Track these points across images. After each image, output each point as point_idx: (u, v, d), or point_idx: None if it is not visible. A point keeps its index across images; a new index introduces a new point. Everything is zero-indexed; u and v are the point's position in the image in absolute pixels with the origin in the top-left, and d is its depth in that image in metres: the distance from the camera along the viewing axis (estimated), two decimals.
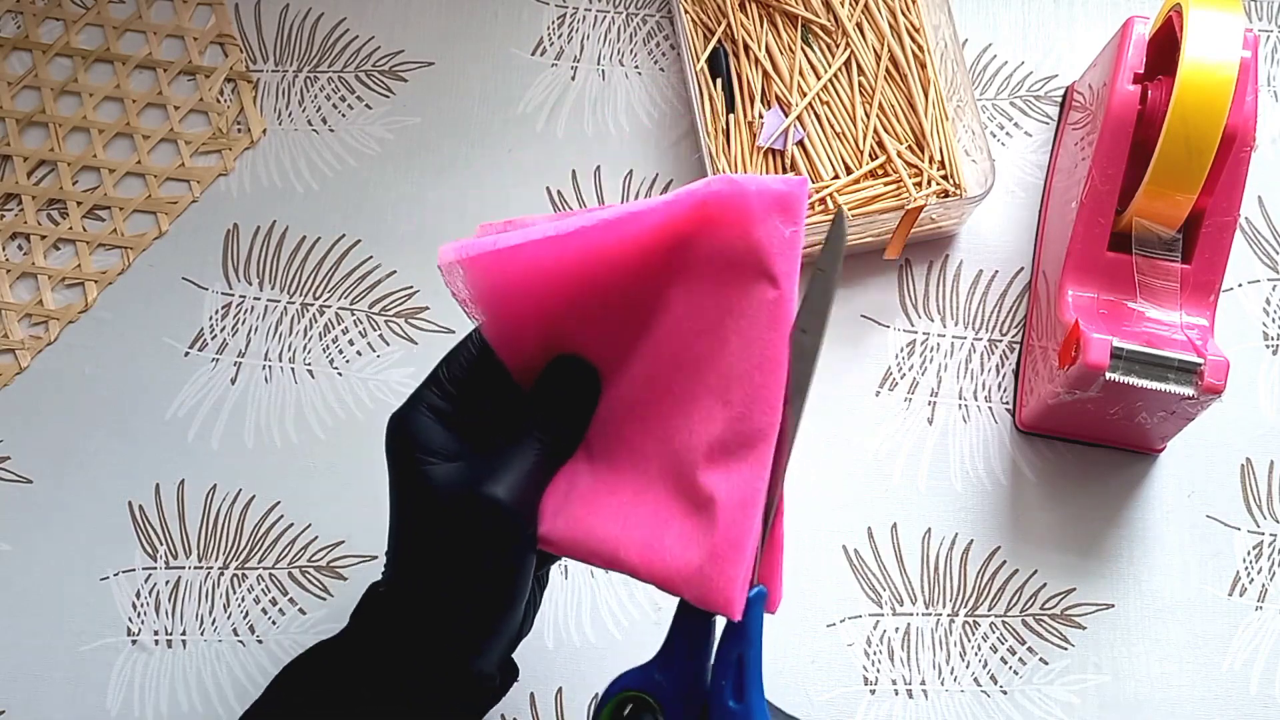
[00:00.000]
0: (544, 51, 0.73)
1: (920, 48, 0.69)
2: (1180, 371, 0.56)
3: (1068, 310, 0.60)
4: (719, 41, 0.69)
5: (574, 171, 0.71)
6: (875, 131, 0.68)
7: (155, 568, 0.65)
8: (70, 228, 0.71)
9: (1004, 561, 0.65)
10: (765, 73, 0.69)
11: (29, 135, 0.72)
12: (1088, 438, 0.65)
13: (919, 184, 0.67)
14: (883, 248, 0.68)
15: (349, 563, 0.65)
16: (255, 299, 0.69)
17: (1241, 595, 0.64)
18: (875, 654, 0.64)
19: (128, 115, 0.72)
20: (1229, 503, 0.66)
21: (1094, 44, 0.71)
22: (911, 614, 0.64)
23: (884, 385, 0.67)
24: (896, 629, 0.64)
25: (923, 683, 0.63)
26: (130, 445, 0.67)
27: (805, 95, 0.68)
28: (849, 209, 0.66)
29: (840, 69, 0.69)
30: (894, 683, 0.63)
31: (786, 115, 0.68)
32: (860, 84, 0.69)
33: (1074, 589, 0.64)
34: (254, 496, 0.66)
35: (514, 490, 0.44)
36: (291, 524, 0.66)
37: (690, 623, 0.45)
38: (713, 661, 0.45)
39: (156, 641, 0.64)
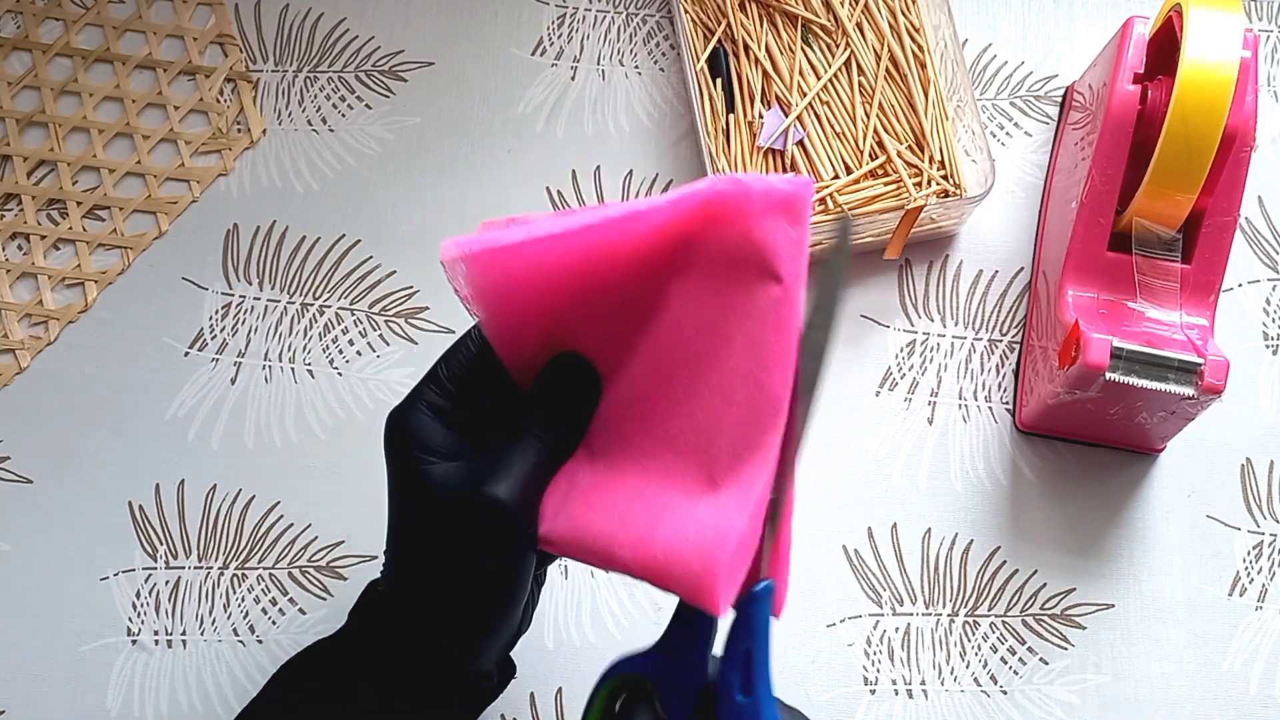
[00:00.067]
0: (544, 51, 0.73)
1: (920, 48, 0.69)
2: (1180, 371, 0.56)
3: (1068, 310, 0.60)
4: (719, 41, 0.69)
5: (574, 171, 0.71)
6: (875, 131, 0.68)
7: (155, 568, 0.65)
8: (70, 228, 0.71)
9: (1004, 561, 0.65)
10: (765, 73, 0.69)
11: (29, 135, 0.72)
12: (1088, 438, 0.65)
13: (919, 184, 0.67)
14: (883, 248, 0.68)
15: (349, 563, 0.65)
16: (255, 299, 0.69)
17: (1241, 595, 0.64)
18: (875, 654, 0.64)
19: (128, 115, 0.72)
20: (1229, 503, 0.66)
21: (1094, 44, 0.71)
22: (911, 614, 0.64)
23: (884, 385, 0.67)
24: (896, 629, 0.64)
25: (923, 683, 0.63)
26: (130, 445, 0.67)
27: (805, 95, 0.68)
28: (849, 209, 0.66)
29: (840, 69, 0.69)
30: (894, 683, 0.63)
31: (786, 115, 0.68)
32: (860, 84, 0.69)
33: (1074, 589, 0.64)
34: (254, 496, 0.66)
35: (515, 490, 0.44)
36: (291, 524, 0.66)
37: (692, 611, 0.45)
38: (721, 655, 0.45)
39: (156, 641, 0.64)
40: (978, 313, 0.69)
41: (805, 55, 0.69)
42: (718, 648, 0.45)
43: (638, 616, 0.64)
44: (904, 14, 0.69)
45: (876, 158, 0.67)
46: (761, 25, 0.70)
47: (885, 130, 0.68)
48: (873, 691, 0.63)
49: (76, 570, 0.65)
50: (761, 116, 0.68)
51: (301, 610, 0.65)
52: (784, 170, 0.68)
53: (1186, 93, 0.56)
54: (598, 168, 0.71)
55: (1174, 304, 0.60)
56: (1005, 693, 0.63)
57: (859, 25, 0.69)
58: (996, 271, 0.69)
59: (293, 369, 0.68)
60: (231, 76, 0.73)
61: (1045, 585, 0.64)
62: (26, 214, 0.71)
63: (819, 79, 0.69)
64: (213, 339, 0.69)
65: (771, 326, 0.43)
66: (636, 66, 0.73)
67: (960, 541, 0.65)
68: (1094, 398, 0.58)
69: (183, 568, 0.65)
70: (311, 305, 0.69)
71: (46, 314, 0.69)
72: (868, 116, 0.68)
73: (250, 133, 0.72)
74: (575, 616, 0.64)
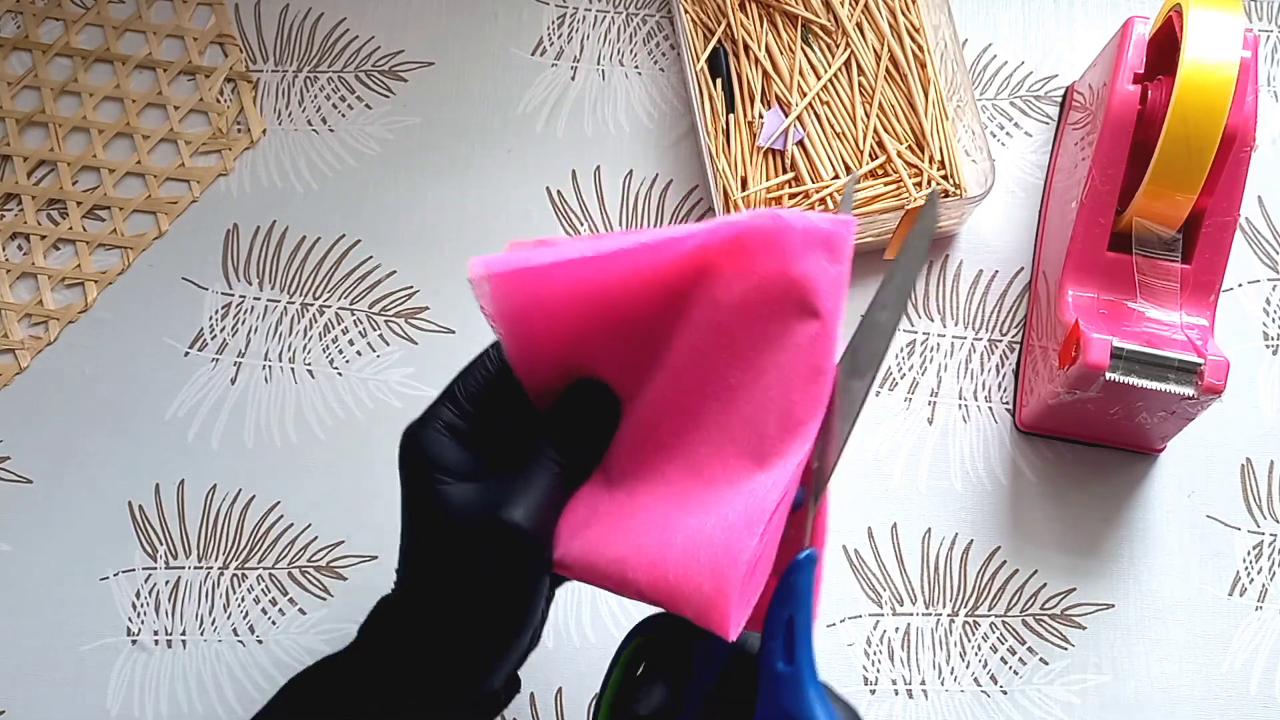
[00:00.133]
0: (544, 51, 0.73)
1: (920, 48, 0.69)
2: (1180, 371, 0.56)
3: (1068, 310, 0.60)
4: (719, 41, 0.69)
5: (574, 171, 0.71)
6: (875, 131, 0.68)
7: (155, 568, 0.65)
8: (70, 228, 0.71)
9: (1004, 561, 0.65)
10: (765, 73, 0.69)
11: (29, 135, 0.72)
12: (1088, 438, 0.65)
13: (919, 184, 0.67)
14: (883, 248, 0.68)
15: (349, 563, 0.65)
16: (255, 299, 0.69)
17: (1241, 595, 0.64)
18: (875, 654, 0.64)
19: (128, 115, 0.72)
20: (1229, 503, 0.66)
21: (1094, 44, 0.71)
22: (911, 614, 0.64)
23: (884, 385, 0.67)
24: (896, 629, 0.64)
25: (923, 683, 0.63)
26: (130, 445, 0.67)
27: (805, 95, 0.68)
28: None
29: (840, 69, 0.69)
30: (894, 683, 0.63)
31: (786, 115, 0.68)
32: (860, 84, 0.69)
33: (1074, 589, 0.64)
34: (254, 496, 0.66)
35: (532, 515, 0.44)
36: (291, 524, 0.66)
37: None
38: (763, 623, 0.44)
39: (156, 641, 0.64)
40: (978, 313, 0.69)
41: (805, 55, 0.69)
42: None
43: (638, 616, 0.64)
44: (904, 14, 0.69)
45: (876, 158, 0.67)
46: (761, 25, 0.70)
47: (885, 130, 0.68)
48: (873, 691, 0.63)
49: (76, 570, 0.65)
50: (761, 116, 0.68)
51: (301, 610, 0.65)
52: (784, 170, 0.68)
53: (1186, 93, 0.56)
54: (598, 168, 0.71)
55: (1174, 304, 0.60)
56: (1005, 693, 0.63)
57: (859, 25, 0.69)
58: (996, 271, 0.69)
59: (293, 369, 0.68)
60: (231, 76, 0.73)
61: (1045, 585, 0.64)
62: (26, 214, 0.71)
63: (819, 79, 0.69)
64: (213, 339, 0.69)
65: (806, 362, 0.43)
66: (636, 66, 0.73)
67: (960, 541, 0.65)
68: (1094, 398, 0.58)
69: (183, 568, 0.65)
70: (311, 305, 0.69)
71: (46, 314, 0.69)
72: (868, 116, 0.68)
73: (250, 133, 0.72)
74: (575, 616, 0.64)
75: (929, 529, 0.65)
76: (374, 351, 0.68)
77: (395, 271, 0.69)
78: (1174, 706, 0.63)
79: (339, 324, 0.69)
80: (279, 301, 0.69)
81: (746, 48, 0.69)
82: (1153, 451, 0.66)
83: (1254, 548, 0.65)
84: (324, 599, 0.65)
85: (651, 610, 0.47)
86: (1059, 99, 0.72)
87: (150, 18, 0.74)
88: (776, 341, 0.43)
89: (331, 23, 0.73)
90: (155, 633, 0.64)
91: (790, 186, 0.67)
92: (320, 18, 0.74)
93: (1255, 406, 0.67)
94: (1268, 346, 0.68)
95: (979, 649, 0.64)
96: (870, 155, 0.67)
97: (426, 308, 0.69)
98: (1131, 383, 0.55)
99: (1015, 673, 0.63)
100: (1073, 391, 0.58)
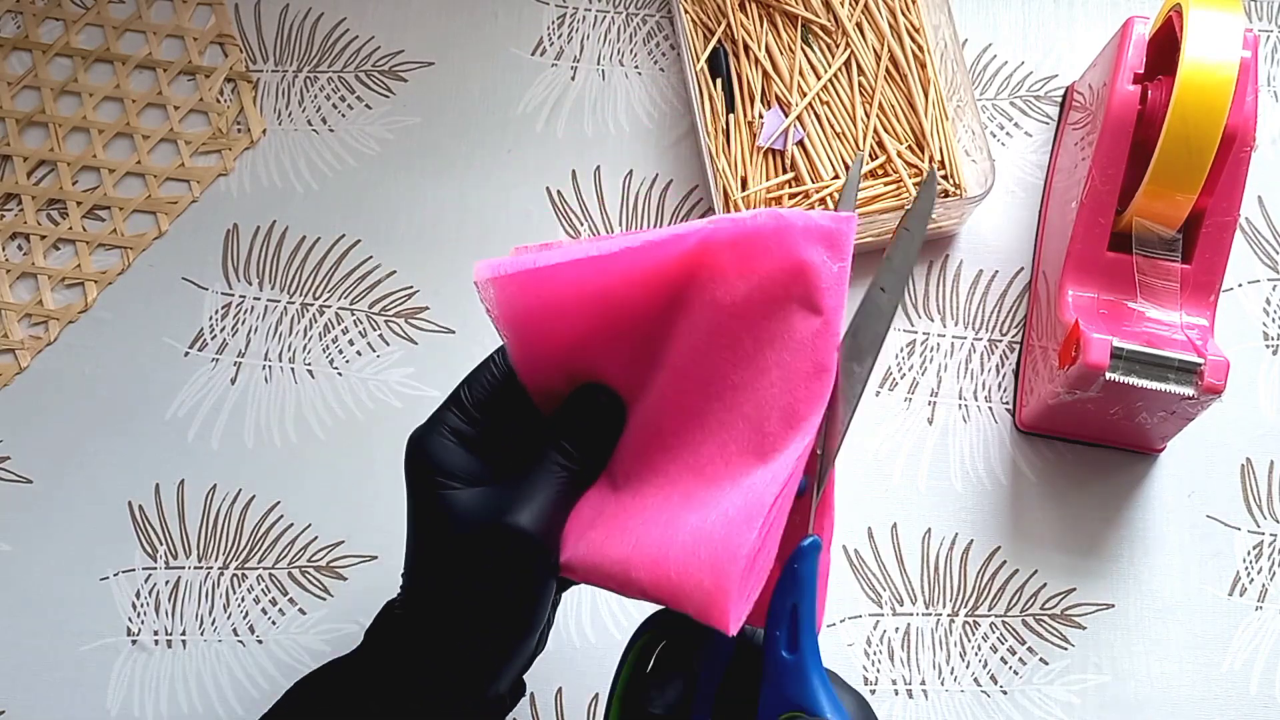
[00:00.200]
0: (544, 51, 0.73)
1: (920, 48, 0.69)
2: (1180, 371, 0.56)
3: (1068, 310, 0.60)
4: (719, 41, 0.69)
5: (574, 171, 0.71)
6: (875, 131, 0.68)
7: (155, 568, 0.65)
8: (70, 228, 0.71)
9: (1004, 561, 0.65)
10: (765, 73, 0.69)
11: (29, 135, 0.72)
12: (1088, 438, 0.65)
13: (919, 184, 0.67)
14: (883, 248, 0.68)
15: (349, 563, 0.65)
16: (255, 299, 0.69)
17: (1241, 595, 0.64)
18: (875, 654, 0.64)
19: (128, 115, 0.72)
20: (1229, 503, 0.66)
21: (1094, 44, 0.71)
22: (911, 614, 0.64)
23: (884, 385, 0.67)
24: (896, 629, 0.64)
25: (923, 683, 0.63)
26: (130, 445, 0.67)
27: (805, 95, 0.68)
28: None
29: (840, 69, 0.69)
30: (894, 683, 0.63)
31: (786, 115, 0.68)
32: (860, 84, 0.69)
33: (1074, 589, 0.64)
34: (254, 496, 0.66)
35: (539, 519, 0.44)
36: (291, 524, 0.66)
37: None
38: (767, 611, 0.44)
39: (156, 641, 0.64)
40: (978, 313, 0.69)
41: (805, 55, 0.69)
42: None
43: (638, 617, 0.64)
44: (904, 14, 0.69)
45: (876, 158, 0.67)
46: (761, 25, 0.70)
47: (885, 130, 0.68)
48: (873, 691, 0.63)
49: (76, 570, 0.65)
50: (761, 116, 0.68)
51: (301, 610, 0.65)
52: (784, 170, 0.68)
53: (1186, 93, 0.56)
54: (598, 168, 0.71)
55: (1174, 304, 0.60)
56: (1005, 693, 0.63)
57: (859, 25, 0.69)
58: (996, 271, 0.69)
59: (293, 369, 0.68)
60: (231, 76, 0.73)
61: (1045, 585, 0.64)
62: (26, 214, 0.71)
63: (819, 79, 0.69)
64: (213, 339, 0.69)
65: (809, 358, 0.43)
66: (636, 66, 0.73)
67: (960, 541, 0.65)
68: (1094, 398, 0.58)
69: (183, 568, 0.65)
70: (311, 305, 0.69)
71: (46, 314, 0.69)
72: (868, 116, 0.68)
73: (250, 133, 0.72)
74: (575, 617, 0.64)
75: (929, 529, 0.65)
76: (374, 351, 0.68)
77: (395, 271, 0.69)
78: (1174, 706, 0.63)
79: (339, 324, 0.69)
80: (279, 301, 0.69)
81: (746, 48, 0.69)
82: (1153, 451, 0.66)
83: (1254, 548, 0.65)
84: (324, 599, 0.65)
85: (655, 608, 0.47)
86: (1059, 99, 0.72)
87: (150, 18, 0.74)
88: (779, 339, 0.43)
89: (331, 23, 0.73)
90: (155, 633, 0.64)
91: (790, 186, 0.67)
92: (320, 18, 0.74)
93: (1255, 406, 0.67)
94: (1268, 346, 0.68)
95: (979, 649, 0.64)
96: (870, 155, 0.67)
97: (426, 308, 0.69)
98: (1131, 383, 0.55)
99: (1015, 673, 0.63)
100: (1073, 391, 0.58)
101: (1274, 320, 0.68)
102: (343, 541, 0.65)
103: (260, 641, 0.64)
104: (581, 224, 0.70)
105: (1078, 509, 0.65)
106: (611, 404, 0.47)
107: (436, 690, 0.46)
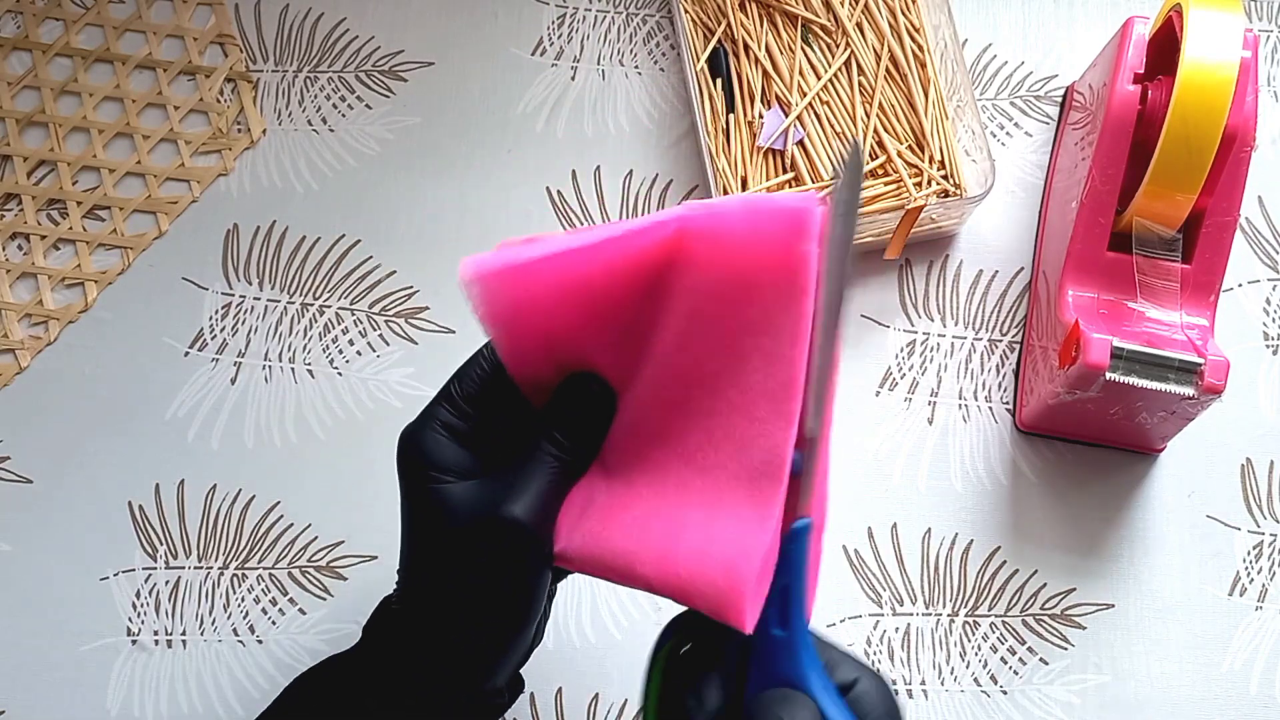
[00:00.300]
0: (544, 51, 0.73)
1: (920, 48, 0.69)
2: (1180, 371, 0.56)
3: (1068, 310, 0.60)
4: (719, 41, 0.69)
5: (574, 171, 0.71)
6: (875, 131, 0.68)
7: (155, 568, 0.65)
8: (70, 228, 0.71)
9: (1004, 561, 0.65)
10: (765, 73, 0.69)
11: (29, 135, 0.72)
12: (1088, 438, 0.65)
13: (919, 184, 0.67)
14: (883, 248, 0.68)
15: (349, 563, 0.65)
16: (255, 299, 0.69)
17: (1241, 595, 0.64)
18: (875, 654, 0.64)
19: (128, 115, 0.72)
20: (1229, 503, 0.66)
21: (1094, 44, 0.71)
22: (911, 614, 0.64)
23: (884, 385, 0.67)
24: (896, 629, 0.64)
25: (923, 683, 0.63)
26: (130, 445, 0.67)
27: (805, 95, 0.68)
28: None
29: (840, 69, 0.69)
30: (894, 683, 0.63)
31: (786, 115, 0.68)
32: (860, 84, 0.69)
33: (1074, 589, 0.64)
34: (254, 496, 0.66)
35: (532, 510, 0.44)
36: (291, 524, 0.66)
37: None
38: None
39: (156, 641, 0.64)
40: (978, 313, 0.69)
41: (805, 55, 0.69)
42: None
43: (638, 617, 0.64)
44: (904, 14, 0.69)
45: (876, 158, 0.67)
46: (761, 25, 0.70)
47: (885, 130, 0.68)
48: None
49: (76, 570, 0.65)
50: (761, 116, 0.68)
51: (301, 610, 0.65)
52: (784, 170, 0.68)
53: (1186, 93, 0.56)
54: (598, 168, 0.71)
55: (1174, 304, 0.60)
56: (1005, 693, 0.63)
57: (859, 25, 0.69)
58: (996, 271, 0.69)
59: (293, 369, 0.68)
60: (231, 76, 0.73)
61: (1045, 585, 0.64)
62: (26, 214, 0.71)
63: (819, 79, 0.69)
64: (213, 339, 0.69)
65: (788, 342, 0.43)
66: (636, 66, 0.73)
67: (960, 541, 0.65)
68: (1094, 398, 0.58)
69: (183, 568, 0.65)
70: (311, 305, 0.69)
71: (46, 314, 0.69)
72: (868, 116, 0.68)
73: (250, 133, 0.72)
74: (575, 617, 0.64)
75: (929, 529, 0.65)
76: (374, 351, 0.68)
77: (395, 271, 0.69)
78: (1174, 706, 0.63)
79: (339, 324, 0.69)
80: (279, 301, 0.69)
81: (746, 48, 0.69)
82: (1153, 451, 0.66)
83: (1254, 548, 0.65)
84: (324, 599, 0.65)
85: (674, 611, 0.47)
86: (1059, 99, 0.72)
87: (150, 18, 0.74)
88: (757, 325, 0.43)
89: (331, 23, 0.73)
90: (155, 633, 0.64)
91: (790, 187, 0.67)
92: (320, 18, 0.74)
93: (1255, 406, 0.67)
94: (1268, 346, 0.68)
95: (979, 649, 0.64)
96: (870, 155, 0.67)
97: (426, 308, 0.69)
98: (1131, 383, 0.55)
99: (1015, 673, 0.63)
100: (1073, 391, 0.58)
101: (1274, 320, 0.68)
102: (343, 541, 0.65)
103: (260, 641, 0.64)
104: (582, 224, 0.70)
105: (1078, 509, 0.65)
106: (602, 392, 0.47)
107: (434, 685, 0.46)
